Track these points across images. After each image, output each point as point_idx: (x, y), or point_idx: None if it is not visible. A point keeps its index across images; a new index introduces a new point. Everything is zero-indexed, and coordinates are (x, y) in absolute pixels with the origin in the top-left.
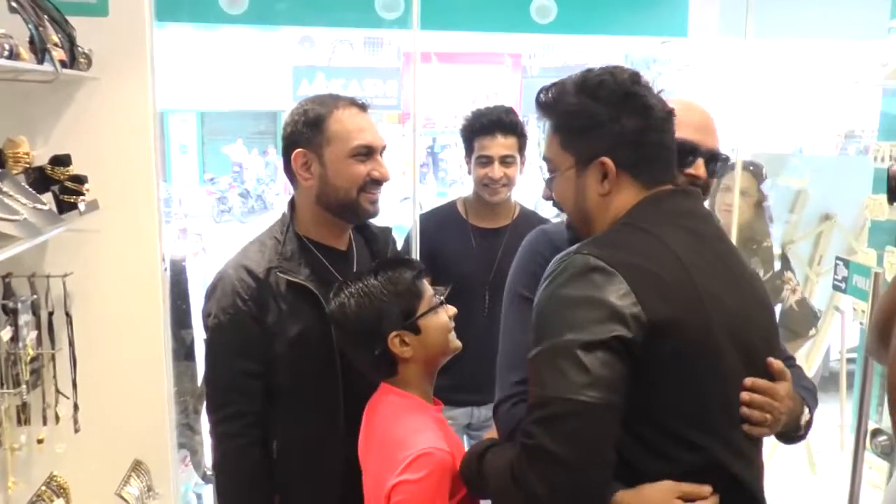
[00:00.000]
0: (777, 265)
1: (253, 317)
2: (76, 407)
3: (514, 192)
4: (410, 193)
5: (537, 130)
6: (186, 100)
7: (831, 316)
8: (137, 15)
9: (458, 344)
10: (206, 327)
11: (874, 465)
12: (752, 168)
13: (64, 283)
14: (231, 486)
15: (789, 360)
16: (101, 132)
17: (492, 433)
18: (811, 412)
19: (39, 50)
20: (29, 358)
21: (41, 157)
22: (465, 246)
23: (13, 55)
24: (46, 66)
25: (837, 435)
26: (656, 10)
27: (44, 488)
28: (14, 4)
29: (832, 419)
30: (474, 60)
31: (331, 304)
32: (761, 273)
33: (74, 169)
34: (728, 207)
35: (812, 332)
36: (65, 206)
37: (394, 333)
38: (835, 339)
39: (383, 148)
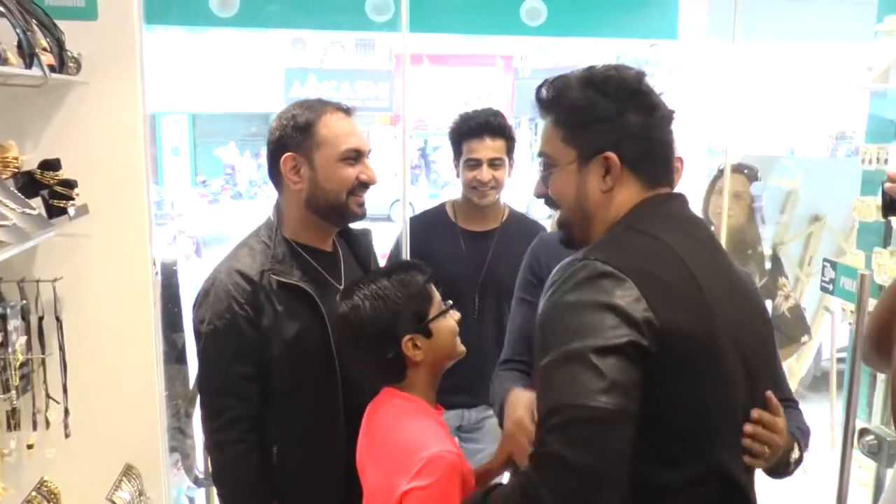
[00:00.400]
0: (768, 265)
1: (249, 320)
2: (67, 412)
3: (504, 194)
4: (401, 195)
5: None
6: (178, 102)
7: (821, 316)
8: (126, 19)
9: (463, 349)
10: (200, 334)
11: (863, 465)
12: (745, 171)
13: (54, 288)
14: (232, 493)
15: (789, 403)
16: (90, 136)
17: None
18: (801, 452)
19: (27, 55)
20: (18, 363)
21: (30, 162)
22: (455, 249)
23: (1, 60)
24: (35, 71)
25: (828, 434)
26: (646, 12)
27: (34, 494)
28: (2, 9)
29: (823, 418)
30: (466, 62)
31: (340, 306)
32: (757, 279)
33: (64, 173)
34: (719, 211)
35: (805, 338)
36: (54, 211)
37: (408, 336)
38: (825, 339)
39: (369, 151)
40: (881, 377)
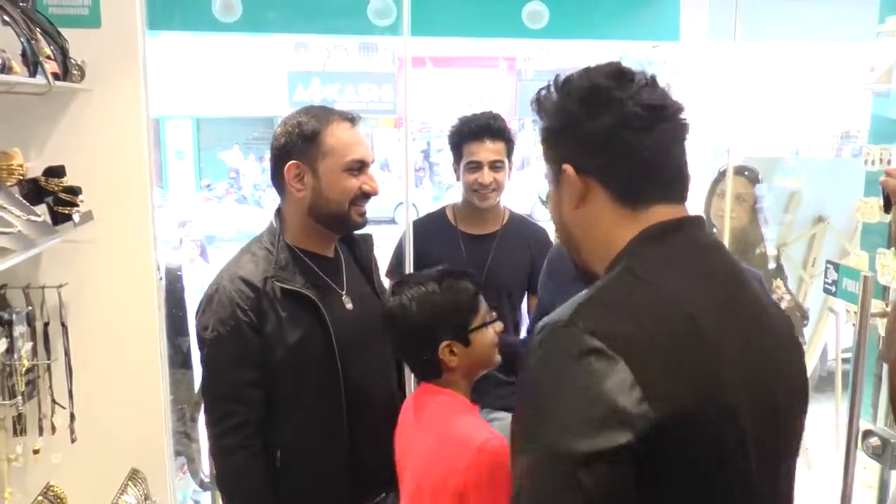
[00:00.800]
0: (772, 265)
1: (252, 326)
2: (72, 417)
3: (505, 196)
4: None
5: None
6: (182, 106)
7: (826, 317)
8: (129, 26)
9: (499, 359)
10: (204, 340)
11: (868, 466)
12: (746, 173)
13: (59, 294)
14: (236, 497)
15: None
16: (94, 143)
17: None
18: None
19: (32, 63)
20: (24, 369)
21: (35, 169)
22: (455, 252)
23: (5, 68)
24: (39, 79)
25: (833, 434)
26: (648, 14)
27: (41, 498)
28: (6, 18)
29: (828, 419)
30: (469, 64)
31: (389, 300)
32: None
33: (68, 180)
34: (722, 214)
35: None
36: (59, 218)
37: (445, 343)
38: (830, 339)
39: (372, 162)
40: (886, 378)
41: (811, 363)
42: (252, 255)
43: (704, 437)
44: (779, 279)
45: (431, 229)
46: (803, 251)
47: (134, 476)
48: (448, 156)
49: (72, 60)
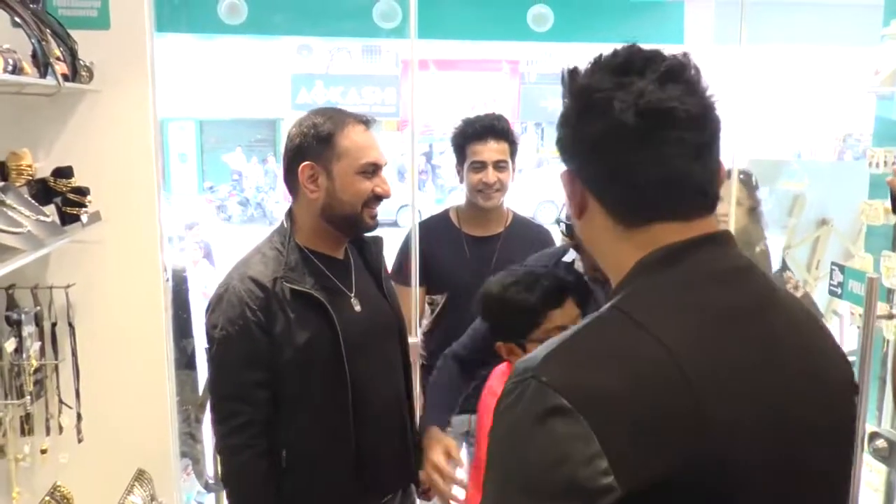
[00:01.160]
0: (776, 265)
1: (261, 326)
2: (79, 417)
3: (508, 198)
4: (409, 200)
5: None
6: (185, 108)
7: (830, 320)
8: (138, 28)
9: None
10: (212, 339)
11: (874, 468)
12: (741, 176)
13: (67, 294)
14: (241, 496)
15: None
16: (102, 144)
17: None
18: None
19: (42, 64)
20: (32, 369)
21: (43, 170)
22: (459, 254)
23: (17, 70)
24: (49, 80)
25: None
26: (652, 17)
27: (48, 499)
28: (17, 20)
29: None
30: (472, 67)
31: (489, 285)
32: None
33: (76, 181)
34: (724, 219)
35: None
36: (67, 218)
37: (500, 343)
38: None
39: (385, 165)
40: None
41: None
42: (262, 255)
43: None
44: (788, 272)
45: (435, 231)
46: (807, 254)
47: (140, 476)
48: (450, 158)
49: (81, 62)
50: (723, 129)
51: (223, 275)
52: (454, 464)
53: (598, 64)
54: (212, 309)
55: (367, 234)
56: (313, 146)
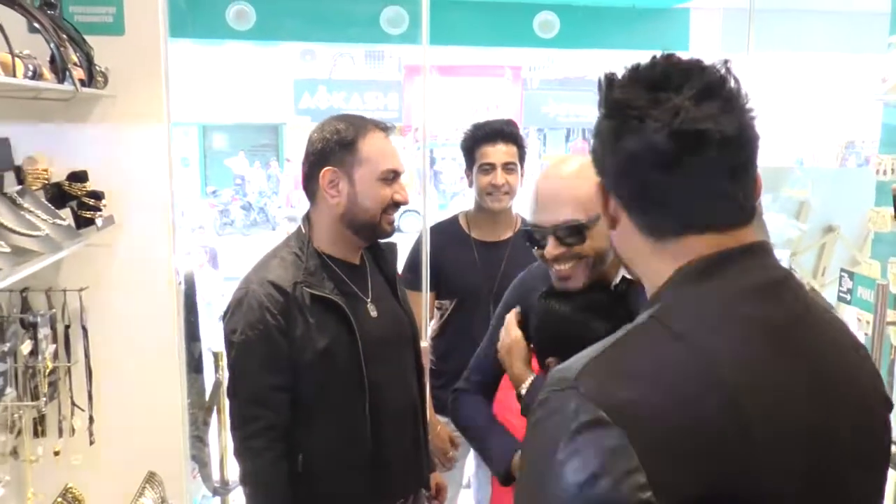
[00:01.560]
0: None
1: (281, 331)
2: (91, 419)
3: (516, 204)
4: (415, 206)
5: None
6: (188, 113)
7: None
8: (152, 33)
9: None
10: (231, 343)
11: None
12: None
13: (80, 297)
14: (262, 500)
15: None
16: (116, 148)
17: None
18: None
19: (60, 69)
20: (47, 371)
21: (58, 174)
22: (469, 260)
23: (36, 75)
24: (67, 86)
25: None
26: (658, 24)
27: (59, 500)
28: (36, 25)
29: None
30: (474, 73)
31: (552, 303)
32: None
33: (90, 185)
34: None
35: None
36: (82, 222)
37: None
38: None
39: (403, 172)
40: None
41: None
42: (281, 260)
43: None
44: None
45: (444, 237)
46: (813, 260)
47: (151, 479)
48: (452, 164)
49: (96, 67)
50: (758, 144)
51: (224, 279)
52: None
53: (635, 75)
54: (230, 313)
55: (382, 240)
56: (336, 152)
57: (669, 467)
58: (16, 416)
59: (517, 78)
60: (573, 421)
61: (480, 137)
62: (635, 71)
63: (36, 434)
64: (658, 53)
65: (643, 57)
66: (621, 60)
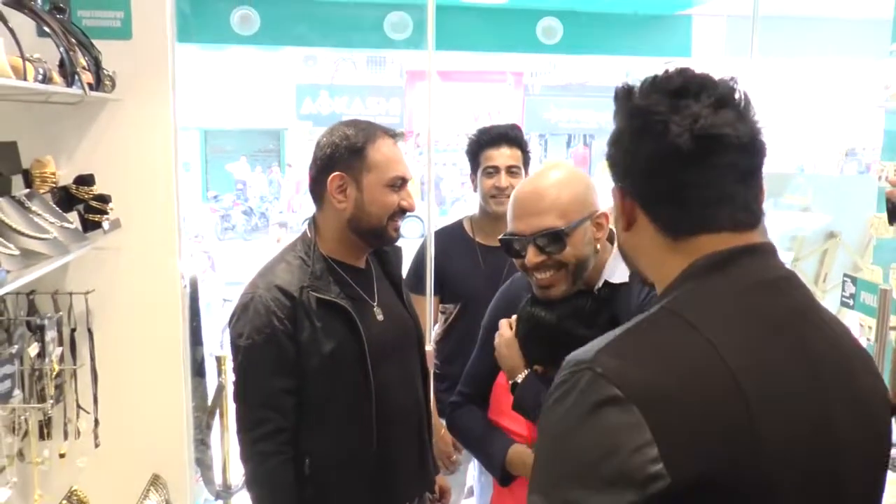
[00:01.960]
0: None
1: (288, 335)
2: (96, 422)
3: None
4: (418, 211)
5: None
6: (190, 117)
7: None
8: (160, 38)
9: None
10: (238, 348)
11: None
12: None
13: (86, 300)
14: (270, 502)
15: None
16: (123, 152)
17: None
18: None
19: (69, 73)
20: (53, 374)
21: (65, 177)
22: (473, 264)
23: (46, 79)
24: (75, 89)
25: None
26: (660, 30)
27: (65, 502)
28: (46, 29)
29: None
30: (476, 79)
31: (536, 310)
32: None
33: (97, 188)
34: None
35: None
36: (89, 225)
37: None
38: None
39: (410, 179)
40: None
41: None
42: (287, 264)
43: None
44: None
45: (449, 242)
46: (815, 266)
47: (155, 482)
48: (453, 170)
49: (104, 71)
50: (766, 153)
51: (223, 283)
52: None
53: (655, 85)
54: (237, 318)
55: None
56: (344, 157)
57: (680, 444)
58: (22, 418)
59: (519, 84)
60: (590, 399)
61: (485, 141)
62: (654, 80)
63: (42, 436)
64: (671, 66)
65: (646, 63)
66: (624, 66)
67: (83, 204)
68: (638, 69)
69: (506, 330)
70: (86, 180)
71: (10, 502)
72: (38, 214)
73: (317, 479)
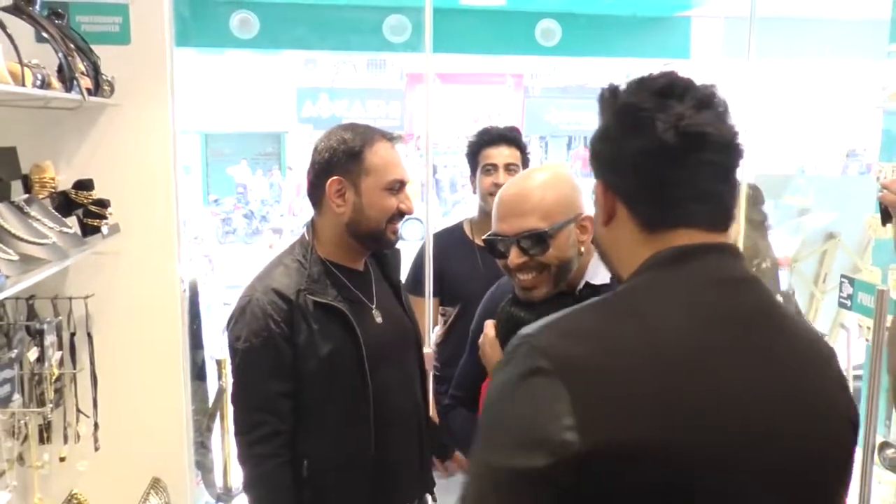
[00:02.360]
0: (784, 285)
1: (285, 338)
2: (96, 426)
3: None
4: (417, 213)
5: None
6: (190, 121)
7: (837, 333)
8: (158, 43)
9: None
10: (236, 351)
11: (883, 480)
12: (749, 191)
13: (86, 305)
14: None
15: None
16: (122, 157)
17: None
18: None
19: (68, 78)
20: (53, 378)
21: (64, 182)
22: (473, 266)
23: (45, 84)
24: (74, 95)
25: None
26: (659, 32)
27: None
28: (45, 34)
29: None
30: (476, 81)
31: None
32: None
33: (96, 193)
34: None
35: None
36: (88, 230)
37: None
38: (841, 356)
39: (408, 182)
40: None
41: None
42: (285, 268)
43: (644, 485)
44: (776, 295)
45: (448, 244)
46: (814, 267)
47: (156, 485)
48: (453, 172)
49: (103, 76)
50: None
51: (224, 286)
52: None
53: (641, 84)
54: (234, 321)
55: None
56: (342, 161)
57: (597, 416)
58: (22, 422)
59: (519, 86)
60: (522, 368)
61: (485, 141)
62: (640, 80)
63: (42, 440)
64: (668, 68)
65: (645, 65)
66: (623, 68)
67: (82, 209)
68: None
69: (490, 330)
70: (85, 185)
71: None
72: (38, 219)
73: (315, 482)
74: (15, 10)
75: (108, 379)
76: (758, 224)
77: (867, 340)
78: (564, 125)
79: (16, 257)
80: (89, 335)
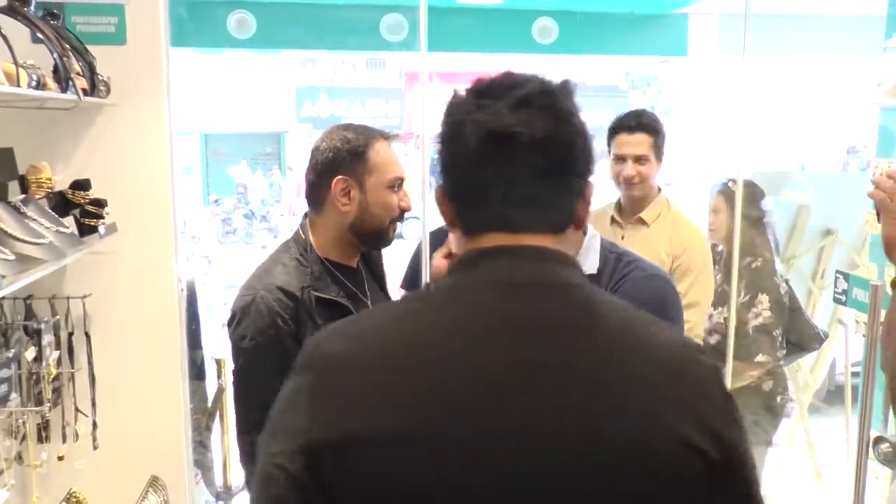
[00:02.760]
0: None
1: (292, 335)
2: (95, 425)
3: None
4: (415, 212)
5: None
6: (190, 121)
7: (835, 329)
8: (154, 43)
9: None
10: (240, 349)
11: (879, 475)
12: (747, 188)
13: (83, 304)
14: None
15: None
16: (118, 157)
17: None
18: None
19: (64, 79)
20: (51, 377)
21: (61, 182)
22: None
23: (40, 85)
24: (70, 95)
25: (844, 448)
26: (656, 30)
27: None
28: (40, 35)
29: (838, 433)
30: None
31: None
32: (742, 296)
33: (93, 193)
34: (713, 227)
35: (761, 357)
36: (85, 230)
37: None
38: (839, 352)
39: (407, 180)
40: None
41: (820, 376)
42: (284, 266)
43: (379, 478)
44: (763, 294)
45: (445, 241)
46: (812, 263)
47: (154, 483)
48: None
49: (98, 76)
50: (584, 156)
51: (223, 286)
52: None
53: (471, 87)
54: (237, 320)
55: None
56: (347, 160)
57: (340, 405)
58: (20, 421)
59: None
60: (300, 361)
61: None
62: (474, 84)
63: (40, 439)
64: (666, 64)
65: (641, 62)
66: (621, 66)
67: (79, 209)
68: (636, 68)
69: (439, 261)
70: (82, 185)
71: None
72: (34, 220)
73: None
74: (10, 10)
75: (106, 378)
76: (755, 221)
77: (864, 336)
78: None
79: (12, 257)
80: (87, 335)
